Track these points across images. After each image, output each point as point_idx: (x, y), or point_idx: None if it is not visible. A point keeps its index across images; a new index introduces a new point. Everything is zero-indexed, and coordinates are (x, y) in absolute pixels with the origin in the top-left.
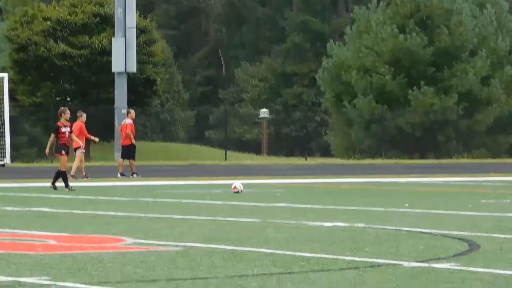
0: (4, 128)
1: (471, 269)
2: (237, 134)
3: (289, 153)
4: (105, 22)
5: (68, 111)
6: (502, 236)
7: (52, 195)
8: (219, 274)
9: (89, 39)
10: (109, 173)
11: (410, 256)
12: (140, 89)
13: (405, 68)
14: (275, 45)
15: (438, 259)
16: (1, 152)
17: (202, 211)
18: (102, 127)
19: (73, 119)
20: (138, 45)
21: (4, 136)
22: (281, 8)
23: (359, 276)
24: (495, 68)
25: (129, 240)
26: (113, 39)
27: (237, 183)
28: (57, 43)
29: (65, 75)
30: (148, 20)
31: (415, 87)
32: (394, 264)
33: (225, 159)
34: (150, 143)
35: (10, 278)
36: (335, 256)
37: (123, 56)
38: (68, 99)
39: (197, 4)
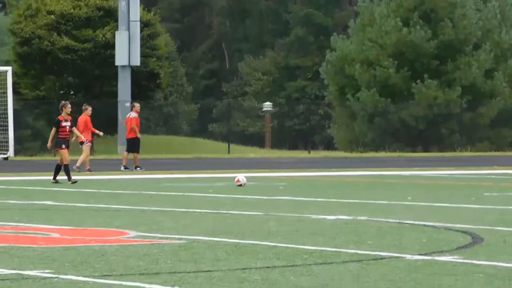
0: (7, 122)
1: (474, 262)
2: (240, 128)
3: (293, 146)
4: (109, 16)
5: (69, 105)
6: (505, 229)
7: (55, 189)
8: (222, 267)
9: (93, 32)
10: (112, 166)
11: (413, 249)
12: (144, 82)
13: (408, 61)
14: (278, 38)
15: (441, 252)
16: (4, 146)
17: (205, 204)
18: (105, 120)
19: (77, 112)
20: (141, 38)
21: (8, 130)
22: (285, 1)
23: (362, 269)
24: (499, 61)
25: (132, 233)
26: (116, 33)
27: (241, 176)
28: (61, 37)
29: (68, 69)
30: (151, 13)
31: (418, 80)
32: (397, 257)
33: (228, 152)
34: (154, 136)
35: (13, 271)
36: (338, 249)
37: (126, 50)
38: (72, 92)
39: None
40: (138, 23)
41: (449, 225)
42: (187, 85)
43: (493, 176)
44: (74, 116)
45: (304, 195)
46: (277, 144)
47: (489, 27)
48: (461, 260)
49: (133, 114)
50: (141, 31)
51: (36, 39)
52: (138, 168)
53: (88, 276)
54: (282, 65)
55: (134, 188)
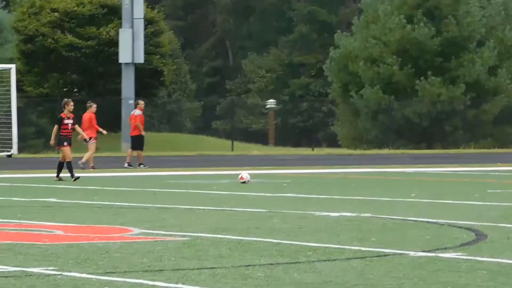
0: (11, 119)
1: (478, 258)
2: (244, 125)
3: (296, 144)
4: (113, 13)
5: (72, 103)
6: (509, 225)
7: (59, 186)
8: (225, 264)
9: (97, 30)
10: (116, 163)
11: (416, 245)
12: (147, 80)
13: (412, 58)
14: (282, 36)
15: (444, 249)
16: (8, 143)
17: (209, 201)
18: (109, 118)
19: (81, 110)
20: (145, 36)
21: (12, 127)
22: None
23: (365, 266)
24: (503, 58)
25: (136, 230)
26: (120, 30)
27: (244, 174)
28: (65, 34)
29: (72, 66)
30: (155, 11)
31: (422, 77)
32: (400, 254)
33: (232, 149)
34: (157, 133)
35: (17, 268)
36: (341, 246)
37: (130, 47)
38: (75, 90)
39: None
40: (142, 20)
41: (453, 221)
42: (190, 83)
43: (496, 173)
44: (78, 114)
45: (308, 192)
46: (281, 141)
47: (493, 24)
48: (465, 257)
49: (138, 112)
50: (144, 29)
51: (40, 37)
52: (141, 166)
53: (92, 273)
54: (285, 63)
55: (137, 185)
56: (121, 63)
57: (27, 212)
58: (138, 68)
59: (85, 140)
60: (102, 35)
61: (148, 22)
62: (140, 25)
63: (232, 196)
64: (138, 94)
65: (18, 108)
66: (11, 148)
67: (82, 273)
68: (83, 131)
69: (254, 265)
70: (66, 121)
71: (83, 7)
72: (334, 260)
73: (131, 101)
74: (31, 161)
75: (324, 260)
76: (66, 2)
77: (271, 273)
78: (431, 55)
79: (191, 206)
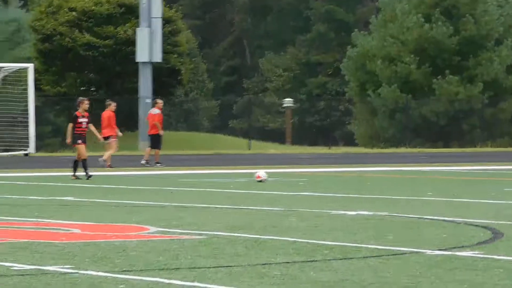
0: (28, 118)
1: (495, 257)
2: (261, 124)
3: (313, 142)
4: (130, 13)
5: (87, 102)
6: None
7: (76, 184)
8: (242, 262)
9: (114, 29)
10: (133, 162)
11: (433, 244)
12: (165, 79)
13: (430, 57)
14: (299, 35)
15: (461, 247)
16: (25, 142)
17: (226, 200)
18: (126, 117)
19: (98, 109)
20: (163, 35)
21: (29, 126)
22: None
23: (382, 264)
24: None
25: (153, 229)
26: (138, 30)
27: (261, 172)
28: (82, 34)
29: (89, 65)
30: (173, 10)
31: (440, 76)
32: (417, 252)
33: (249, 148)
34: (174, 132)
35: (33, 267)
36: (358, 245)
37: (147, 46)
38: (93, 89)
39: None
40: (160, 19)
41: (469, 220)
42: (208, 82)
43: None
44: (95, 112)
45: (324, 190)
46: (298, 140)
47: (511, 22)
48: (481, 255)
49: (156, 111)
50: (162, 28)
51: (58, 36)
52: (158, 164)
53: (108, 272)
54: (303, 61)
55: (154, 184)
56: (138, 62)
57: (44, 210)
58: (155, 67)
59: (105, 138)
60: (120, 34)
61: (165, 21)
62: (157, 24)
63: (248, 194)
64: (155, 93)
65: (36, 107)
66: (28, 146)
67: (98, 271)
68: (103, 129)
69: (270, 264)
70: (80, 120)
71: (101, 6)
72: (351, 258)
73: (148, 100)
74: (48, 159)
75: (341, 259)
76: (84, 1)
77: (287, 271)
78: (448, 54)
79: (208, 205)
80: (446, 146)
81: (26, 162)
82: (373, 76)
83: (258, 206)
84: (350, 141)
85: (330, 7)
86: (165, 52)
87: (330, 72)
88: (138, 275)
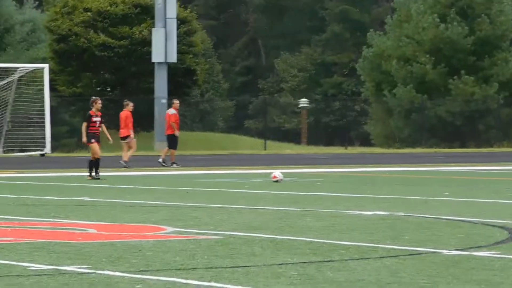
0: (44, 118)
1: (511, 257)
2: (276, 124)
3: (329, 143)
4: (146, 13)
5: (100, 101)
6: None
7: (92, 185)
8: (258, 262)
9: (129, 29)
10: (149, 162)
11: (450, 244)
12: (180, 79)
13: (445, 57)
14: (315, 35)
15: (478, 247)
16: (41, 142)
17: (242, 200)
18: (142, 117)
19: (114, 109)
20: (178, 35)
21: (45, 126)
22: None
23: (399, 264)
24: None
25: (169, 229)
26: (153, 30)
27: (277, 172)
28: (98, 34)
29: (105, 66)
30: (188, 10)
31: (455, 76)
32: (434, 252)
33: (265, 148)
34: (190, 133)
35: (50, 267)
36: (375, 245)
37: (163, 47)
38: (108, 89)
39: None
40: (175, 20)
41: (486, 220)
42: (223, 82)
43: None
44: (110, 113)
45: (341, 190)
46: (313, 140)
47: None
48: (498, 255)
49: (172, 111)
50: (177, 28)
51: (73, 36)
52: (174, 165)
53: (125, 272)
54: (318, 62)
55: (170, 184)
56: (154, 63)
57: (60, 211)
58: (171, 67)
59: (122, 138)
60: (135, 34)
61: (180, 21)
62: (173, 24)
63: (265, 194)
64: (171, 94)
65: (51, 108)
66: (44, 147)
67: (115, 271)
68: (120, 129)
69: (287, 264)
70: (94, 119)
71: (116, 6)
72: (368, 258)
73: (164, 101)
74: (64, 160)
75: (358, 259)
76: (99, 1)
77: (304, 271)
78: (464, 54)
79: (224, 205)
80: (462, 146)
81: (42, 163)
82: (389, 76)
83: (274, 206)
84: (366, 141)
85: (345, 7)
86: (180, 52)
87: (345, 72)
88: (155, 275)
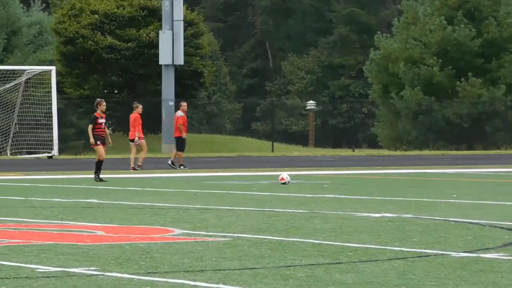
0: (52, 121)
1: None
2: (283, 126)
3: (336, 145)
4: (153, 15)
5: (104, 103)
6: None
7: (99, 187)
8: (266, 264)
9: (136, 32)
10: (156, 164)
11: (458, 246)
12: (187, 81)
13: (453, 60)
14: (322, 37)
15: (486, 249)
16: (49, 144)
17: (250, 202)
18: (149, 119)
19: (121, 111)
20: (185, 37)
21: (52, 128)
22: (328, 0)
23: (407, 266)
24: None
25: (177, 231)
26: (160, 32)
27: (284, 175)
28: (105, 36)
29: (112, 68)
30: (195, 12)
31: (463, 79)
32: (442, 254)
33: (272, 150)
34: (197, 135)
35: (58, 269)
36: (383, 247)
37: (170, 49)
38: (116, 91)
39: None
40: (182, 22)
41: (494, 222)
42: (230, 84)
43: None
44: (117, 115)
45: (348, 193)
46: (321, 142)
47: None
48: (506, 257)
49: (180, 113)
50: (184, 31)
51: (80, 39)
52: (182, 167)
53: (133, 274)
54: (325, 64)
55: (178, 186)
56: (161, 65)
57: (68, 212)
58: (178, 69)
59: (132, 140)
60: (142, 37)
61: (187, 24)
62: (180, 27)
63: (272, 197)
64: (178, 96)
65: (59, 110)
66: (51, 149)
67: (123, 273)
68: (130, 131)
69: (295, 266)
70: (100, 121)
71: (123, 9)
72: (376, 260)
73: (171, 103)
74: (71, 162)
75: (366, 261)
76: (106, 4)
77: (312, 273)
78: (471, 56)
79: (232, 207)
80: (469, 148)
81: (50, 165)
82: (396, 78)
83: (282, 208)
84: (373, 143)
85: (352, 10)
86: (187, 54)
87: (353, 75)
88: (163, 277)
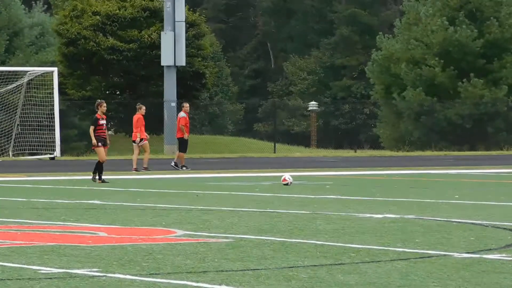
0: (54, 122)
1: None
2: (285, 127)
3: (338, 146)
4: (154, 16)
5: (105, 104)
6: None
7: (102, 188)
8: (269, 265)
9: (138, 33)
10: (158, 165)
11: (460, 247)
12: (189, 82)
13: (454, 60)
14: (323, 38)
15: (489, 250)
16: (51, 146)
17: (252, 203)
18: (151, 120)
19: (123, 112)
20: (187, 38)
21: (54, 130)
22: (330, 1)
23: (409, 267)
24: None
25: (179, 232)
26: (162, 33)
27: (287, 175)
28: (106, 37)
29: (114, 69)
30: (197, 14)
31: (464, 79)
32: (444, 255)
33: (274, 151)
34: (199, 136)
35: (61, 270)
36: (385, 247)
37: (172, 50)
38: (118, 92)
39: None
40: (184, 23)
41: (497, 223)
42: (232, 85)
43: None
44: (119, 116)
45: (351, 193)
46: (323, 143)
47: None
48: (509, 258)
49: (182, 114)
50: (186, 32)
51: (82, 40)
52: (184, 168)
53: (136, 275)
54: (327, 65)
55: (180, 187)
56: (163, 66)
57: (70, 214)
58: (180, 70)
59: (134, 141)
60: (144, 38)
61: (189, 25)
62: (181, 28)
63: (274, 198)
64: (180, 97)
65: (61, 111)
66: (53, 150)
67: (126, 274)
68: (133, 132)
69: (297, 267)
70: (101, 122)
71: (125, 10)
72: (378, 261)
73: (174, 104)
74: (73, 163)
75: (368, 262)
76: (108, 5)
77: (315, 274)
78: (473, 56)
79: (234, 208)
80: (471, 149)
81: (52, 166)
82: (398, 79)
83: (284, 209)
84: (375, 144)
85: (354, 10)
86: (189, 55)
87: (354, 75)
88: (166, 278)
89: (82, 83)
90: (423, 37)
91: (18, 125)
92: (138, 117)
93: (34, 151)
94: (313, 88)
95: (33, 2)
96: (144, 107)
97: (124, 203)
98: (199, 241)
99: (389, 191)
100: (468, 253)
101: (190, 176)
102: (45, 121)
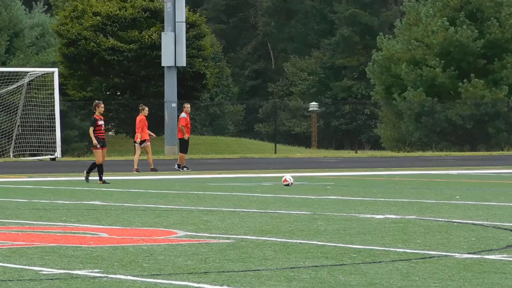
0: (55, 122)
1: None
2: (286, 127)
3: (339, 146)
4: (155, 17)
5: (103, 104)
6: None
7: (103, 189)
8: (270, 266)
9: (139, 33)
10: (159, 166)
11: (462, 247)
12: (190, 83)
13: (455, 61)
14: (324, 38)
15: (490, 251)
16: (52, 146)
17: (253, 204)
18: (152, 121)
19: (124, 113)
20: (187, 39)
21: (55, 130)
22: (330, 1)
23: (411, 268)
24: None
25: (180, 233)
26: (162, 34)
27: (288, 176)
28: (107, 38)
29: (114, 70)
30: (197, 14)
31: (465, 80)
32: (446, 256)
33: (275, 152)
34: (200, 136)
35: (62, 271)
36: (386, 248)
37: (172, 51)
38: (118, 93)
39: None
40: (184, 24)
41: (498, 223)
42: (232, 86)
43: None
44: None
45: (352, 194)
46: (324, 143)
47: None
48: (510, 258)
49: (182, 115)
50: (186, 32)
51: (82, 40)
52: (185, 168)
53: (137, 276)
54: (327, 65)
55: (181, 188)
56: (163, 67)
57: (71, 215)
58: (180, 71)
59: (136, 142)
60: (144, 38)
61: (190, 25)
62: (182, 28)
63: (275, 198)
64: (180, 97)
65: (61, 112)
66: (54, 151)
67: (127, 275)
68: (136, 133)
69: (299, 267)
70: (99, 122)
71: (125, 10)
72: (379, 262)
73: (174, 104)
74: (74, 164)
75: (369, 262)
76: (108, 6)
77: (316, 275)
78: (474, 57)
79: (235, 209)
80: (472, 149)
81: (53, 167)
82: (398, 79)
83: (286, 210)
84: (376, 144)
85: (354, 11)
86: (189, 56)
87: (355, 76)
88: (167, 279)
89: (83, 83)
90: (424, 37)
91: (18, 126)
92: (140, 118)
93: (34, 152)
94: (314, 88)
95: (33, 2)
96: (147, 108)
97: (125, 204)
98: (200, 241)
99: (390, 191)
100: (469, 253)
101: (190, 177)
102: (45, 121)
